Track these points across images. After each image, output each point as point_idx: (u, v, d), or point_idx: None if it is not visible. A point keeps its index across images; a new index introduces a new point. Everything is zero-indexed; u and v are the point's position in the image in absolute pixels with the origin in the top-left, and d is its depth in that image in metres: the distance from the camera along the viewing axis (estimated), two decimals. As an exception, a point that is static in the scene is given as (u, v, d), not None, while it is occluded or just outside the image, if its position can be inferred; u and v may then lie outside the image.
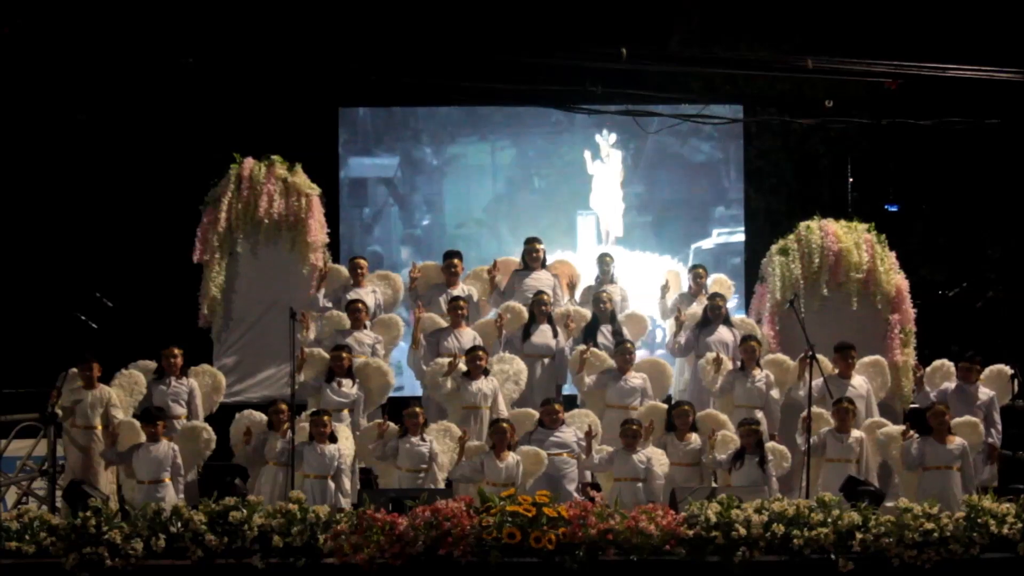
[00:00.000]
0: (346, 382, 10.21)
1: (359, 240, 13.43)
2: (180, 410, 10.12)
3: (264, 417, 9.73)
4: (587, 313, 11.17)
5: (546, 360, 10.87)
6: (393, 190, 13.63)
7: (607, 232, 13.73)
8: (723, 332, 10.97)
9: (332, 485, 9.38)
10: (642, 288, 12.75)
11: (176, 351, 10.23)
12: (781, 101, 13.78)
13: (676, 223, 13.80)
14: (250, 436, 9.65)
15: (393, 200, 13.64)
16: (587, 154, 13.78)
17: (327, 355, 10.34)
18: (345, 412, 10.12)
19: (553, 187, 13.71)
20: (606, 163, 13.85)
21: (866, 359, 10.75)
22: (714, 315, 11.01)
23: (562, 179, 13.72)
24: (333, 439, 9.48)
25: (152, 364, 10.31)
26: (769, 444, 9.82)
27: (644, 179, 13.80)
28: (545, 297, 10.97)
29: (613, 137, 13.76)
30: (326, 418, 9.48)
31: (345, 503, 9.29)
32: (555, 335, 10.91)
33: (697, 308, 11.27)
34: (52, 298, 13.14)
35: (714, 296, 11.15)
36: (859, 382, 10.48)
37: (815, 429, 9.81)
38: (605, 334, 10.95)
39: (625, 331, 11.07)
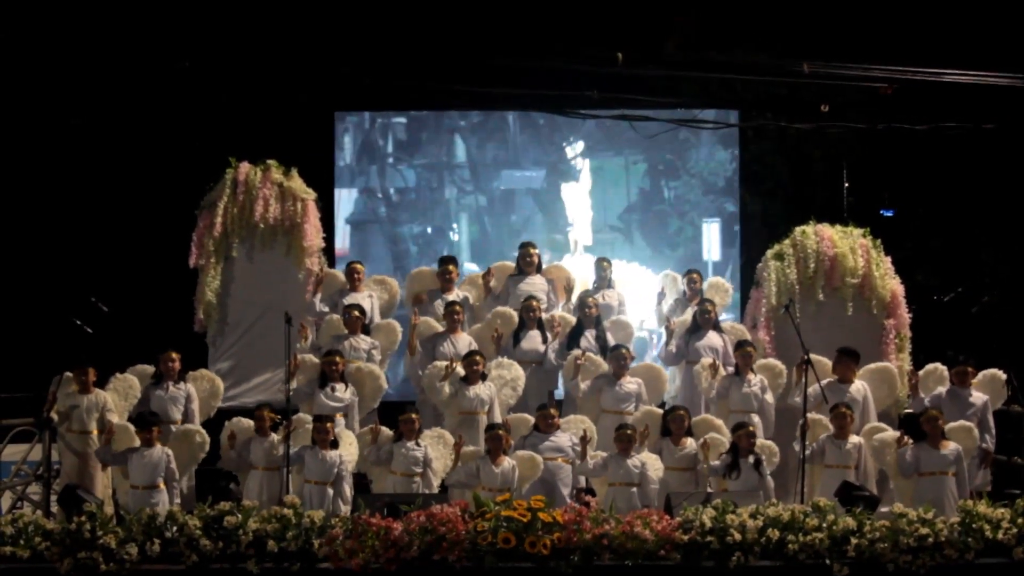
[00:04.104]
0: (339, 387, 10.19)
1: (508, 244, 13.93)
2: (178, 415, 10.09)
3: (252, 423, 9.71)
4: (572, 318, 11.14)
5: (536, 365, 10.84)
6: (539, 199, 14.50)
7: (575, 241, 14.03)
8: (712, 337, 10.93)
9: (331, 491, 9.35)
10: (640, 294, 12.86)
11: (174, 355, 10.19)
12: (777, 106, 13.77)
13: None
14: (234, 441, 9.63)
15: (539, 208, 14.51)
16: None
17: (318, 360, 10.34)
18: (339, 417, 10.09)
19: (681, 197, 14.49)
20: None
21: (872, 366, 10.74)
22: (703, 321, 10.99)
23: (688, 189, 14.49)
24: (335, 445, 9.46)
25: (150, 369, 10.27)
26: (757, 442, 9.80)
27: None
28: (535, 303, 10.93)
29: (580, 145, 13.87)
30: (329, 424, 9.44)
31: (344, 510, 9.22)
32: (545, 340, 10.88)
33: (691, 313, 11.25)
34: (47, 302, 13.13)
35: (703, 301, 11.14)
36: (857, 387, 10.47)
37: (814, 435, 9.80)
38: (589, 339, 10.90)
39: (609, 337, 11.01)
